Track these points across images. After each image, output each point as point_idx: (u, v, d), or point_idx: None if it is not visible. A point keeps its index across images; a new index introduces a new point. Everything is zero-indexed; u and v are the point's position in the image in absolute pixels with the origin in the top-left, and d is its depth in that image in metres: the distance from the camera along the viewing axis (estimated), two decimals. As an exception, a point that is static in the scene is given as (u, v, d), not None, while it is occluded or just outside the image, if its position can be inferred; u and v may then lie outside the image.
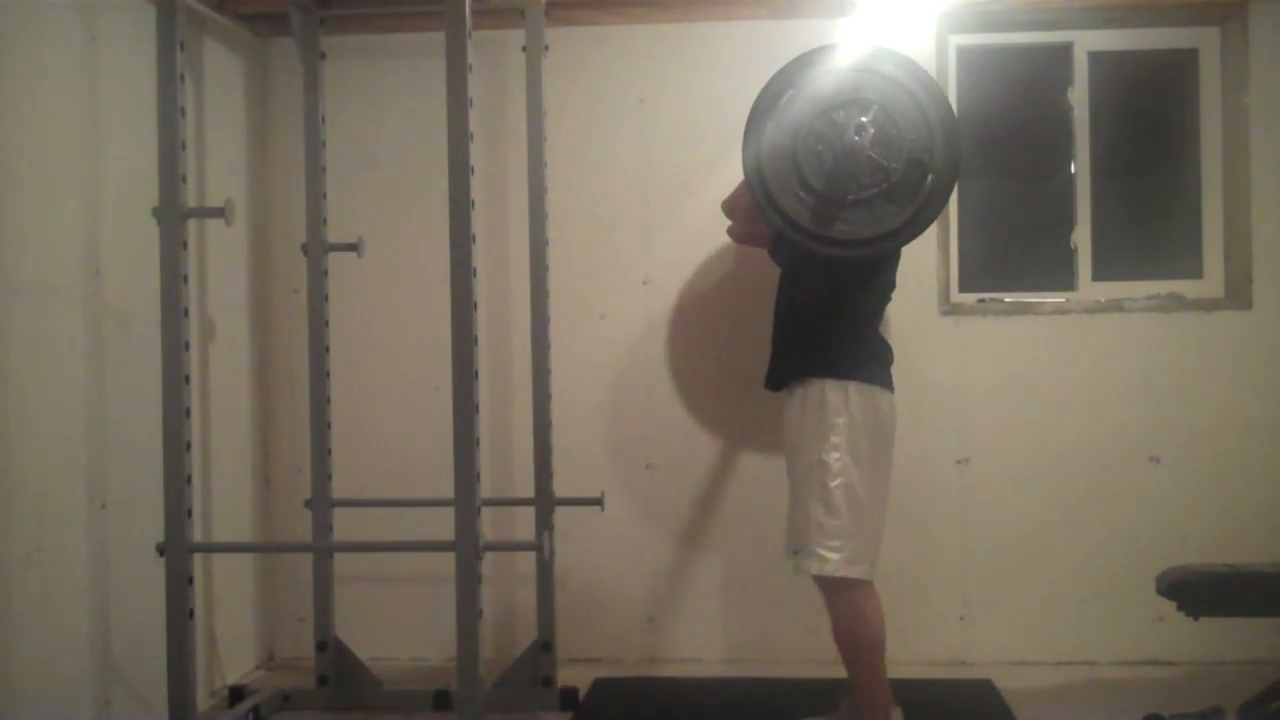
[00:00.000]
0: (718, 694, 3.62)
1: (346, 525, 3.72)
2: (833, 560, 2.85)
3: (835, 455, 2.86)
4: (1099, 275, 3.98)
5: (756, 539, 3.85)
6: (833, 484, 2.85)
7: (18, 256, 2.75)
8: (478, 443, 2.71)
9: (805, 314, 3.02)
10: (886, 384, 2.99)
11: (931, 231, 3.87)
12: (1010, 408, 3.82)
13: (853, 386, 2.90)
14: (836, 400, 2.89)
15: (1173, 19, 3.92)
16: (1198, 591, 2.95)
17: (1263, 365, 3.81)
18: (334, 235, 3.64)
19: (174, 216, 2.81)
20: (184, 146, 2.84)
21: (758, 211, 3.01)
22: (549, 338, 3.57)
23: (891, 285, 3.13)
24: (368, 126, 4.00)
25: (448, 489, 2.72)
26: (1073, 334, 3.87)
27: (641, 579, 3.98)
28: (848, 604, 2.90)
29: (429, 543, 2.97)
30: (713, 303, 3.89)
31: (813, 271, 2.99)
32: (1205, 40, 3.95)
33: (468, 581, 2.70)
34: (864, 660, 2.92)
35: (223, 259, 3.74)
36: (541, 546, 3.15)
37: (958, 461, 3.86)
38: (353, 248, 3.63)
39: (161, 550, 2.83)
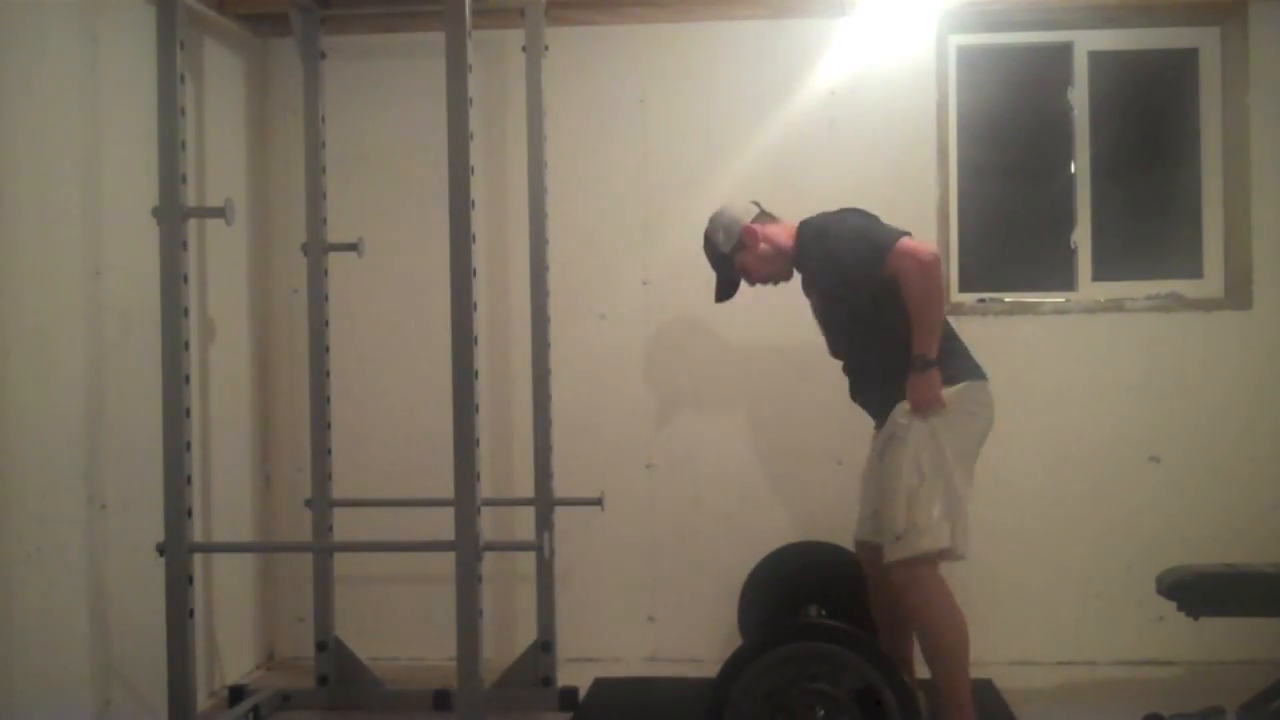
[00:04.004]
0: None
1: (346, 525, 3.71)
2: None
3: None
4: (1099, 275, 3.98)
5: (757, 538, 3.85)
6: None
7: (18, 256, 2.75)
8: (478, 443, 2.71)
9: (882, 341, 3.02)
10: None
11: (931, 231, 3.90)
12: (1010, 408, 3.80)
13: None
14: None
15: (1173, 19, 3.92)
16: (1198, 591, 2.95)
17: (1263, 365, 3.81)
18: (334, 235, 3.64)
19: (174, 216, 2.80)
20: (184, 146, 2.83)
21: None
22: (549, 338, 3.57)
23: None
24: (368, 126, 4.00)
25: (448, 489, 2.72)
26: (1073, 334, 3.87)
27: (641, 579, 3.98)
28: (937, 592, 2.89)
29: (429, 543, 2.96)
30: (712, 302, 3.88)
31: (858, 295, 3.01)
32: (1205, 40, 3.95)
33: (468, 581, 2.70)
34: (955, 656, 2.91)
35: (223, 259, 3.74)
36: (541, 546, 3.15)
37: (958, 461, 3.85)
38: (353, 248, 3.63)
39: (161, 550, 2.82)
